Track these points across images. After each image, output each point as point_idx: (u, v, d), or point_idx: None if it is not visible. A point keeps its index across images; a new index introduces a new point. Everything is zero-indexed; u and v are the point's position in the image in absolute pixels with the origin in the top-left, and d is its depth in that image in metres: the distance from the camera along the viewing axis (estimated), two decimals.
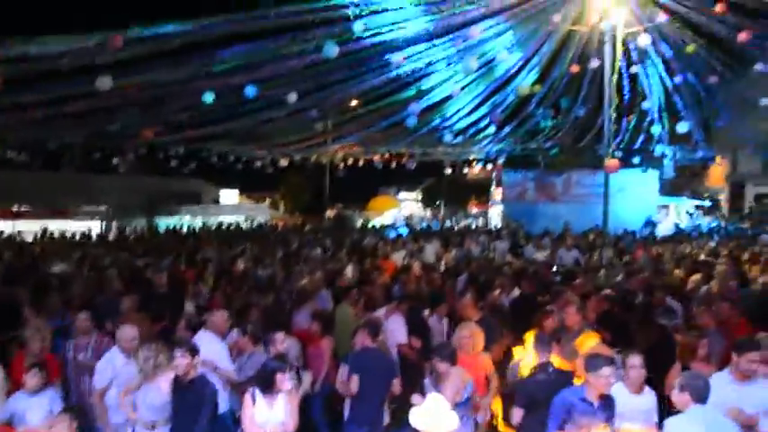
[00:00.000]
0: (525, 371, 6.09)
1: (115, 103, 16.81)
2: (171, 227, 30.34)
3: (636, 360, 5.16)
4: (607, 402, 4.99)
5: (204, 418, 5.09)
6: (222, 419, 5.84)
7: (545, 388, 5.33)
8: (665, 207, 31.25)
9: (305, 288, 9.32)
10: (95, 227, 29.97)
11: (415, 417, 4.22)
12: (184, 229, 28.74)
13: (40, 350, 6.26)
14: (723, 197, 34.70)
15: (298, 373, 5.96)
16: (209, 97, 15.20)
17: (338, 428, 6.65)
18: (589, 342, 6.22)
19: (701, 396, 4.38)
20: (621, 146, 27.34)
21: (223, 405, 5.73)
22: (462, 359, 5.91)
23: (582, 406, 4.90)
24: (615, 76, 14.86)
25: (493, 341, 7.29)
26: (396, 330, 7.46)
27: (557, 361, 5.79)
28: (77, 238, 23.26)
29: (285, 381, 5.14)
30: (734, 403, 4.81)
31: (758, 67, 18.02)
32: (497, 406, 7.37)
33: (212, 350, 6.33)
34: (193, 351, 5.36)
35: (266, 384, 5.14)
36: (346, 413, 6.37)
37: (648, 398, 5.21)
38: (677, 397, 4.50)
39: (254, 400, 5.14)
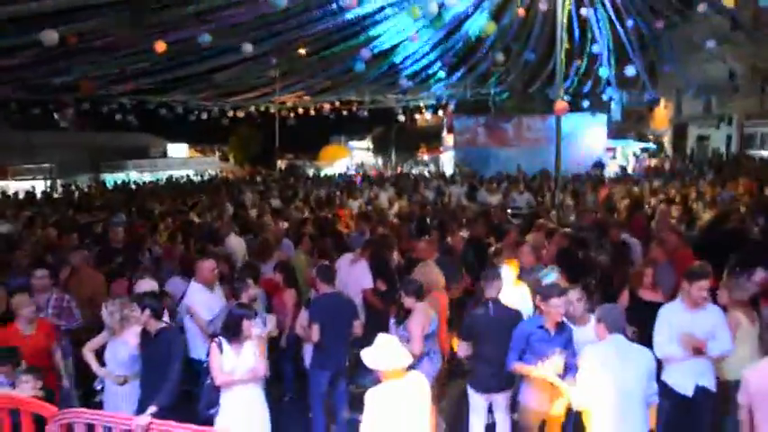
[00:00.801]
0: None
1: (55, 55, 16.03)
2: (119, 182, 29.60)
3: (574, 294, 5.49)
4: (563, 329, 5.27)
5: (174, 370, 5.05)
6: (197, 364, 5.89)
7: (483, 322, 5.58)
8: (612, 149, 31.91)
9: (267, 239, 9.25)
10: (39, 185, 28.97)
11: (366, 355, 4.34)
12: (132, 185, 28.05)
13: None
14: (666, 139, 35.59)
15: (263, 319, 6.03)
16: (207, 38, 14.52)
17: (301, 374, 6.76)
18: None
19: (615, 326, 4.65)
20: (570, 90, 27.65)
21: (201, 353, 5.76)
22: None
23: (538, 333, 5.22)
24: (565, 19, 14.87)
25: (452, 281, 7.47)
26: (361, 276, 7.52)
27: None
28: (21, 197, 22.51)
29: (251, 327, 5.16)
30: (686, 329, 5.09)
31: (701, 8, 18.29)
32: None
33: (197, 300, 6.44)
34: (144, 306, 5.27)
35: (233, 332, 5.15)
36: (307, 358, 6.47)
37: (589, 329, 5.34)
38: (596, 328, 4.78)
39: (220, 349, 5.14)
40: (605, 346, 4.67)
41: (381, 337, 4.48)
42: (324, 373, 6.14)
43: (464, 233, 9.76)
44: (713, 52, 22.70)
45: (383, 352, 4.30)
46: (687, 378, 5.18)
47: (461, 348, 5.80)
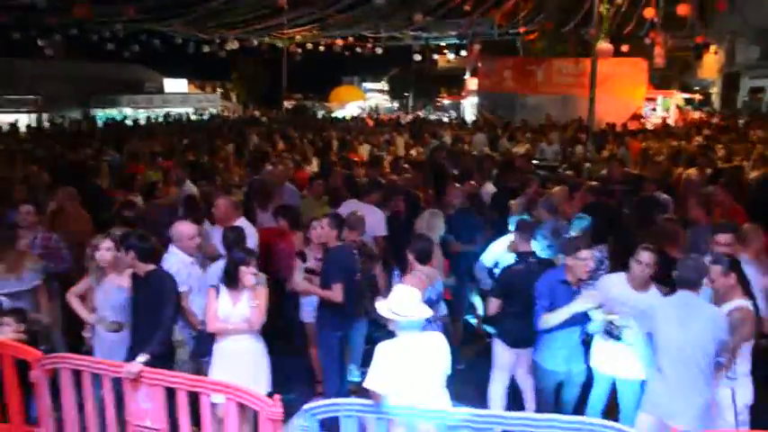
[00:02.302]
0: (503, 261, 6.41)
1: None
2: (111, 118, 29.63)
3: (644, 256, 5.17)
4: (587, 285, 5.30)
5: (166, 316, 5.10)
6: None
7: (524, 277, 5.58)
8: (653, 100, 31.38)
9: (265, 183, 9.22)
10: (23, 119, 28.99)
11: (381, 306, 4.37)
12: (128, 122, 28.08)
13: None
14: (715, 90, 34.86)
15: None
16: None
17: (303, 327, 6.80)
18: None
19: (686, 281, 4.63)
20: (609, 32, 26.99)
21: None
22: None
23: (561, 288, 5.23)
24: None
25: (475, 235, 7.48)
26: (374, 223, 7.52)
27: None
28: (3, 129, 22.60)
29: (248, 274, 5.19)
30: None
31: None
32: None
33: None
34: (128, 247, 5.27)
35: (231, 278, 5.21)
36: (305, 311, 6.57)
37: (652, 297, 5.25)
38: (726, 281, 4.78)
39: (217, 294, 5.24)
40: (668, 304, 4.69)
41: (399, 288, 4.50)
42: (336, 333, 6.19)
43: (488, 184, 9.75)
44: None
45: (400, 303, 4.30)
46: None
47: (492, 305, 5.79)
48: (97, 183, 10.30)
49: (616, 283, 5.34)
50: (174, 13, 25.04)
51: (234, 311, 5.19)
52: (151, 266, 5.32)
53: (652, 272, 5.18)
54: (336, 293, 5.94)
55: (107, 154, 13.93)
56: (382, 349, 4.26)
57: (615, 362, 5.33)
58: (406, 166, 11.30)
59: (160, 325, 5.05)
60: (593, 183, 9.00)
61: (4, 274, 5.96)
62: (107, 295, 5.47)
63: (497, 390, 5.86)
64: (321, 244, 6.38)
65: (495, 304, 5.77)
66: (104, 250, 5.49)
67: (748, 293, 5.01)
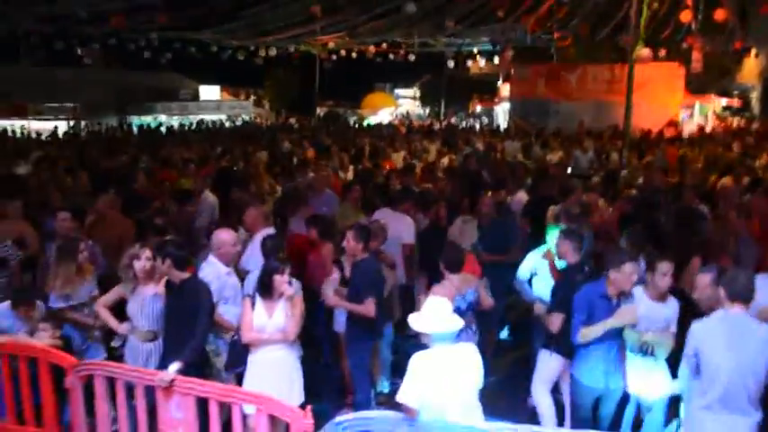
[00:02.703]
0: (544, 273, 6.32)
1: None
2: (145, 125, 30.06)
3: (665, 267, 5.12)
4: (627, 300, 5.15)
5: (200, 324, 5.04)
6: None
7: (577, 287, 5.39)
8: (690, 106, 30.86)
9: (297, 189, 9.20)
10: (62, 126, 29.52)
11: (413, 320, 4.33)
12: (162, 129, 28.46)
13: None
14: (755, 96, 34.14)
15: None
16: None
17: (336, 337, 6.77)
18: None
19: (739, 295, 4.30)
20: (645, 37, 26.57)
21: None
22: None
23: (601, 302, 5.10)
24: None
25: (512, 244, 7.40)
26: (404, 230, 7.48)
27: None
28: (43, 137, 23.03)
29: (284, 283, 5.16)
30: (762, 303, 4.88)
31: None
32: None
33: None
34: (165, 255, 5.20)
35: (265, 287, 5.18)
36: (339, 323, 6.51)
37: (670, 307, 5.26)
38: (714, 291, 4.53)
39: (252, 305, 5.22)
40: (716, 322, 4.37)
41: (432, 300, 4.44)
42: (367, 344, 6.17)
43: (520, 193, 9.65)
44: None
45: (432, 315, 4.25)
46: None
47: (555, 321, 5.51)
48: (134, 188, 10.42)
49: (638, 298, 5.24)
50: (208, 23, 25.31)
51: (269, 322, 5.16)
52: (186, 274, 5.29)
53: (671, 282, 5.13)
54: (369, 308, 5.86)
55: (142, 160, 14.10)
56: (415, 362, 4.21)
57: (640, 380, 5.23)
58: (440, 175, 11.24)
59: (194, 334, 5.01)
60: (632, 192, 8.86)
61: (64, 289, 5.91)
62: (143, 304, 5.44)
63: (546, 401, 5.71)
64: (351, 256, 6.32)
65: (558, 319, 5.49)
66: (145, 260, 5.44)
67: None
